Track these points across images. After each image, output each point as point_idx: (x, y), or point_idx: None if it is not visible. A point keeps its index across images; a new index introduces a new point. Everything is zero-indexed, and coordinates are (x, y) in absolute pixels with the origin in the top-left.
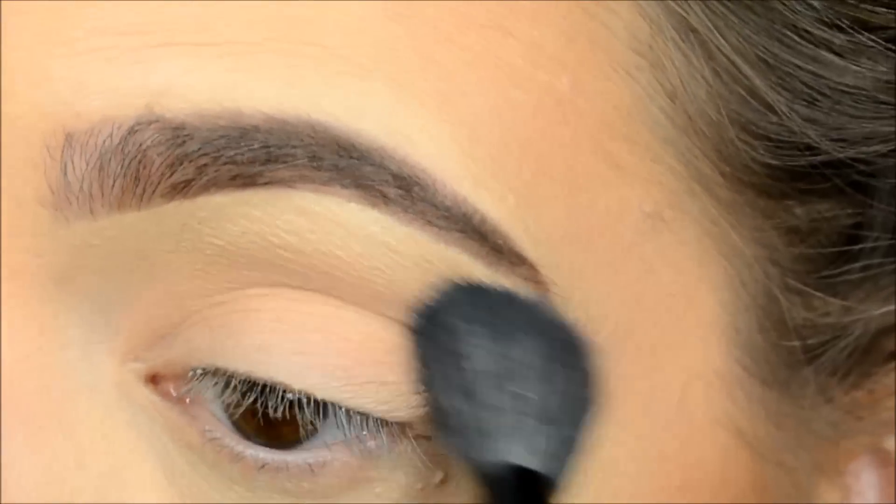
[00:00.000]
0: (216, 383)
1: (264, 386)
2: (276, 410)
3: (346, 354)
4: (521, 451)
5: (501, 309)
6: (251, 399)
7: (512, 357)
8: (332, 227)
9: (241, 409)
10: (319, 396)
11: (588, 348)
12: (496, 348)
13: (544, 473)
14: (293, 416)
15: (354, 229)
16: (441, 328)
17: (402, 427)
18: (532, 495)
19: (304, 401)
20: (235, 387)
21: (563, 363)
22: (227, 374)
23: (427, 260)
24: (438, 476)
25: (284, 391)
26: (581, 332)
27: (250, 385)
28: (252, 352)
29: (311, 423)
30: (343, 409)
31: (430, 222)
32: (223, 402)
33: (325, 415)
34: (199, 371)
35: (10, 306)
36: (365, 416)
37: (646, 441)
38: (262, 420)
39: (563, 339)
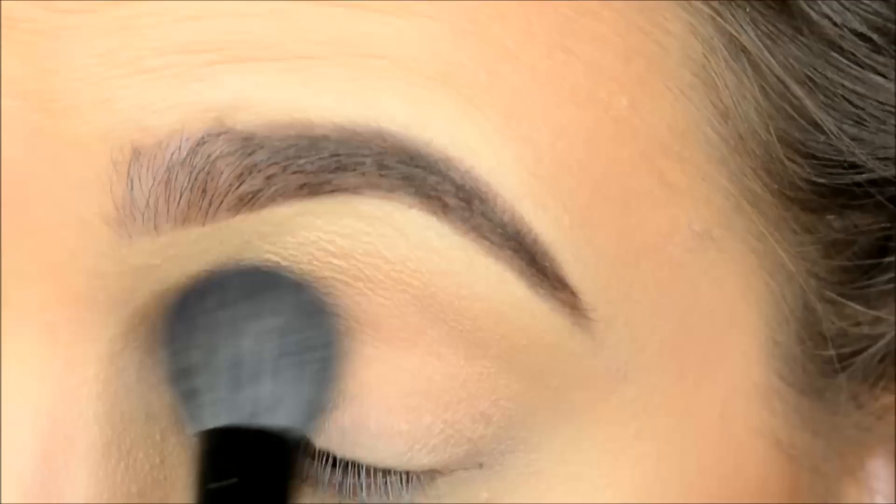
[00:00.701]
0: None
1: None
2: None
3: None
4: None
5: (235, 286)
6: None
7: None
8: (387, 230)
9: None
10: (338, 455)
11: (327, 309)
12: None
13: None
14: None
15: (409, 233)
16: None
17: (434, 474)
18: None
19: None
20: None
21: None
22: None
23: (471, 270)
24: (483, 496)
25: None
26: (319, 292)
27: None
28: None
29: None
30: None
31: (483, 236)
32: None
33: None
34: None
35: (70, 331)
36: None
37: (688, 455)
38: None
39: (299, 301)
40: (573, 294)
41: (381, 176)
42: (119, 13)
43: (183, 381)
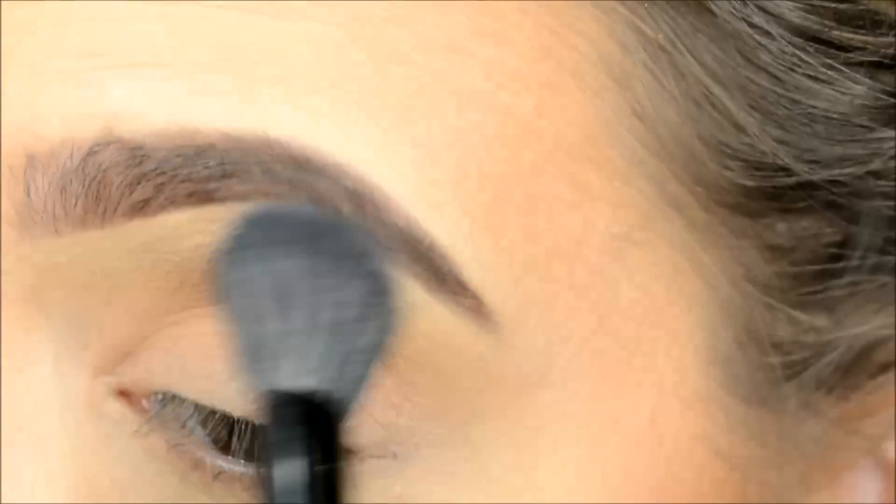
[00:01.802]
0: (178, 405)
1: (212, 412)
2: (230, 435)
3: None
4: (292, 372)
5: (276, 229)
6: (205, 420)
7: (286, 274)
8: None
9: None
10: (259, 424)
11: (374, 254)
12: (270, 268)
13: (325, 394)
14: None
15: None
16: (232, 256)
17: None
18: (317, 418)
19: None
20: (192, 413)
21: (343, 273)
22: (181, 399)
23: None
24: (396, 490)
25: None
26: (362, 238)
27: (202, 410)
28: (197, 381)
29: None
30: None
31: (378, 242)
32: (194, 417)
33: None
34: (159, 395)
35: None
36: None
37: (614, 461)
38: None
39: (342, 247)
40: (475, 297)
41: (269, 182)
42: (15, 15)
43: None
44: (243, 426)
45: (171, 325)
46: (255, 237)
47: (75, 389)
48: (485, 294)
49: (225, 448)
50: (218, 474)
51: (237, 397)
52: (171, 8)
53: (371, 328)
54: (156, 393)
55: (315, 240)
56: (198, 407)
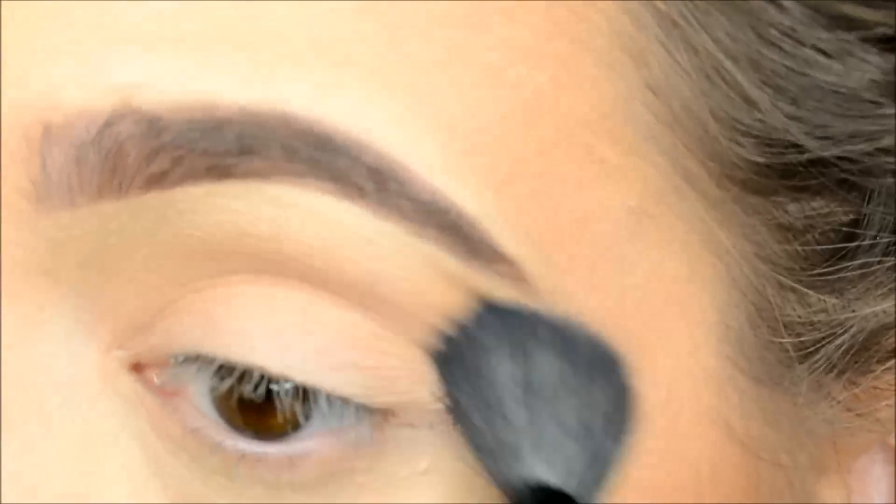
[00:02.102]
0: (197, 369)
1: (244, 371)
2: (256, 392)
3: (322, 338)
4: (546, 469)
5: (525, 326)
6: (230, 384)
7: (535, 373)
8: (306, 218)
9: (223, 395)
10: (298, 380)
11: (621, 363)
12: (518, 365)
13: (572, 492)
14: (278, 406)
15: (329, 221)
16: (466, 347)
17: (384, 415)
18: None
19: (285, 387)
20: (216, 372)
21: (591, 378)
22: (207, 359)
23: (402, 253)
24: (423, 464)
25: (263, 375)
26: (613, 348)
27: (229, 370)
28: (229, 336)
29: (296, 413)
30: (325, 397)
31: (405, 216)
32: (208, 388)
33: (308, 403)
34: (180, 358)
35: None
36: (346, 403)
37: (630, 437)
38: (249, 412)
39: (592, 353)
40: (512, 264)
41: (288, 160)
42: None
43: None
44: (281, 387)
45: (195, 291)
46: (482, 330)
47: (87, 365)
48: (521, 261)
49: (247, 426)
50: (241, 457)
51: (275, 354)
52: None
53: (611, 435)
54: (175, 356)
55: (566, 344)
56: (226, 370)
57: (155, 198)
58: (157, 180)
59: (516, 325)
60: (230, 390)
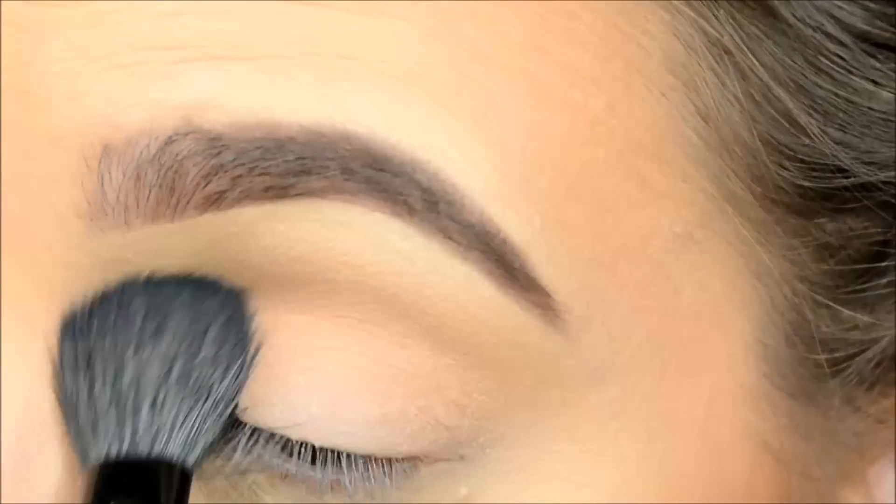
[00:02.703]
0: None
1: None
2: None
3: (329, 389)
4: (105, 443)
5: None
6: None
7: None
8: (349, 234)
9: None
10: (318, 444)
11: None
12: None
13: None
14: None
15: (373, 236)
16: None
17: (416, 461)
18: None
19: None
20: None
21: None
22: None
23: (436, 271)
24: (462, 491)
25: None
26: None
27: (259, 431)
28: (257, 401)
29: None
30: (352, 460)
31: (450, 237)
32: None
33: (339, 467)
34: None
35: (46, 320)
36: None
37: (671, 457)
38: None
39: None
40: (546, 294)
41: (345, 180)
42: (95, 8)
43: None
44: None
45: None
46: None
47: None
48: (555, 291)
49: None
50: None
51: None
52: (251, 4)
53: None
54: None
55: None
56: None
57: (210, 219)
58: (215, 200)
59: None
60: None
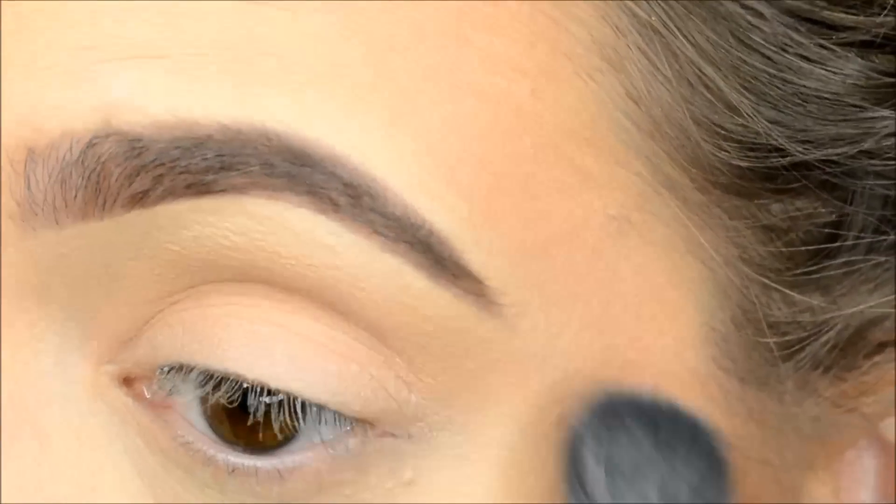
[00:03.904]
0: (182, 380)
1: (221, 379)
2: (232, 403)
3: (291, 345)
4: None
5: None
6: (209, 391)
7: (616, 450)
8: (278, 229)
9: (214, 409)
10: (272, 385)
11: (706, 432)
12: (601, 444)
13: None
14: (268, 421)
15: (301, 232)
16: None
17: (363, 426)
18: None
19: (265, 400)
20: (197, 381)
21: (673, 449)
22: (188, 368)
23: (366, 265)
24: (407, 474)
25: (240, 383)
26: (694, 416)
27: (208, 377)
28: (206, 345)
29: (284, 426)
30: (309, 410)
31: (377, 231)
32: (195, 399)
33: (294, 415)
34: (165, 369)
35: None
36: (324, 412)
37: None
38: (239, 425)
39: (672, 425)
40: (477, 281)
41: (266, 176)
42: (14, 10)
43: None
44: (258, 391)
45: (174, 303)
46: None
47: (78, 381)
48: (486, 278)
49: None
50: (233, 471)
51: (249, 361)
52: (167, 3)
53: None
54: (161, 367)
55: (646, 418)
56: (205, 378)
57: (137, 216)
58: (139, 199)
59: (612, 416)
60: (218, 402)
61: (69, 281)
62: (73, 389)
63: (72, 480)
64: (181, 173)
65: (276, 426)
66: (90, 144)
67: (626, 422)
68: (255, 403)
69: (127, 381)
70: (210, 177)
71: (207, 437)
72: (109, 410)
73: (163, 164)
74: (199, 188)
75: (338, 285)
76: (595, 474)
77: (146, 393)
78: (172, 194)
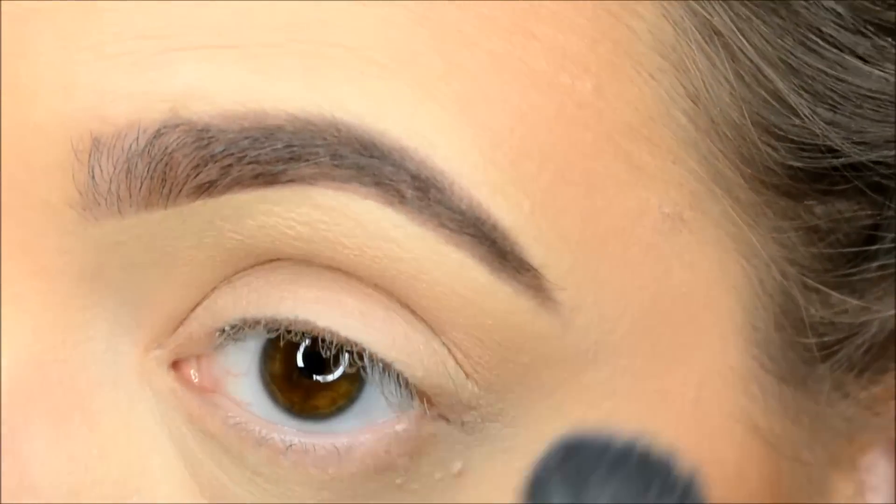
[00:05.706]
0: (242, 338)
1: (288, 329)
2: (300, 347)
3: (361, 301)
4: None
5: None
6: (277, 343)
7: (588, 497)
8: (343, 220)
9: (269, 376)
10: (342, 334)
11: (681, 469)
12: (571, 488)
13: None
14: (326, 386)
15: (367, 223)
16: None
17: (423, 402)
18: None
19: (330, 341)
20: (266, 330)
21: (647, 487)
22: (254, 322)
23: (430, 258)
24: (457, 466)
25: (306, 334)
26: (667, 456)
27: (275, 328)
28: (275, 299)
29: (344, 391)
30: (372, 371)
31: (442, 224)
32: (254, 363)
33: (364, 369)
34: (226, 328)
35: (36, 302)
36: (389, 374)
37: (662, 436)
38: (296, 391)
39: (644, 465)
40: (537, 276)
41: (335, 167)
42: None
43: None
44: (328, 340)
45: (234, 280)
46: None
47: (128, 366)
48: (546, 273)
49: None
50: (288, 447)
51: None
52: None
53: None
54: (220, 329)
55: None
56: (271, 329)
57: (202, 205)
58: (206, 189)
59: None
60: (277, 365)
61: (125, 266)
62: (123, 375)
63: (119, 463)
64: (249, 164)
65: (336, 389)
66: (157, 134)
67: (595, 465)
68: (324, 353)
69: (175, 366)
70: (279, 167)
71: (259, 417)
72: (156, 395)
73: (231, 155)
74: (267, 178)
75: (400, 277)
76: None
77: (194, 377)
78: (240, 184)
